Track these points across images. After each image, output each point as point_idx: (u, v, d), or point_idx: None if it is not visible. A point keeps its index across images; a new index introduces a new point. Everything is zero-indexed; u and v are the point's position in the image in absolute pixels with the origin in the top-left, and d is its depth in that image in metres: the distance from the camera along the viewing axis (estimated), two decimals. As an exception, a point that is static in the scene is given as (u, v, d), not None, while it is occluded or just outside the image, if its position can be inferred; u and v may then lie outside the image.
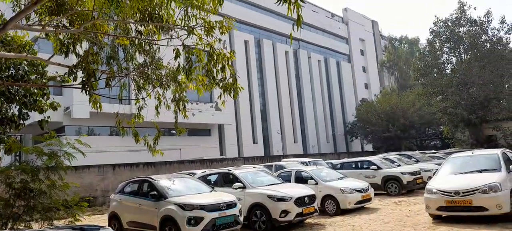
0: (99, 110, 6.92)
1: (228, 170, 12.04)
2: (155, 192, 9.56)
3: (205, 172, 14.03)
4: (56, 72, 8.25)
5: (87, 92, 6.41)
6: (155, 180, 10.05)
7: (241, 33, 44.78)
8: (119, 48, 7.29)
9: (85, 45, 7.16)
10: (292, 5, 4.11)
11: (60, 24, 6.74)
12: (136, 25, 6.76)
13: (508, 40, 31.45)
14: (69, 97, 29.06)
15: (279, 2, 4.07)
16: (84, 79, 6.47)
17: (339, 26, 63.11)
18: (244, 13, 45.55)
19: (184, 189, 9.79)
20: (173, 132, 27.66)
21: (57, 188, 7.73)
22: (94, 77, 6.50)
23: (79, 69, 6.73)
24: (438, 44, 34.12)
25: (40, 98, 8.24)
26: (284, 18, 49.62)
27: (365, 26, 68.51)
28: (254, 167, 14.74)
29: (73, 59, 7.15)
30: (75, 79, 6.90)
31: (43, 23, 6.47)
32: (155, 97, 7.67)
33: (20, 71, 7.90)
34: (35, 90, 8.11)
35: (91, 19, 6.10)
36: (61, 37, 6.92)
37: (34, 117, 9.07)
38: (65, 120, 30.30)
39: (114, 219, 10.74)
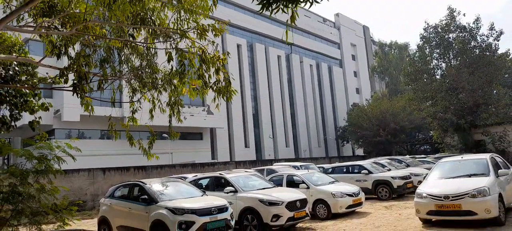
0: (91, 113, 6.86)
1: (220, 174, 12.00)
2: (146, 196, 9.47)
3: (196, 176, 13.96)
4: (47, 73, 8.14)
5: (78, 95, 6.36)
6: (146, 184, 9.96)
7: (233, 37, 44.84)
8: (115, 51, 7.26)
9: (78, 47, 7.11)
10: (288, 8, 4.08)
11: (52, 26, 6.69)
12: (129, 29, 6.74)
13: (496, 46, 31.91)
14: (60, 100, 28.77)
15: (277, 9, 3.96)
16: (76, 81, 6.43)
17: (331, 31, 63.59)
18: (237, 17, 45.65)
19: (175, 193, 9.72)
20: (165, 135, 27.55)
21: (46, 191, 7.60)
22: (85, 80, 6.46)
23: (70, 72, 6.67)
24: (428, 50, 34.51)
25: (31, 99, 8.13)
26: (277, 23, 49.82)
27: (356, 31, 69.12)
28: (245, 171, 14.72)
29: (65, 62, 7.09)
30: (66, 81, 6.84)
31: (34, 24, 6.42)
32: (149, 101, 7.64)
33: (10, 72, 7.79)
34: (27, 91, 8.01)
35: (83, 21, 6.08)
36: (52, 39, 6.86)
37: (24, 119, 8.95)
38: (55, 123, 29.99)
39: (103, 223, 10.61)
